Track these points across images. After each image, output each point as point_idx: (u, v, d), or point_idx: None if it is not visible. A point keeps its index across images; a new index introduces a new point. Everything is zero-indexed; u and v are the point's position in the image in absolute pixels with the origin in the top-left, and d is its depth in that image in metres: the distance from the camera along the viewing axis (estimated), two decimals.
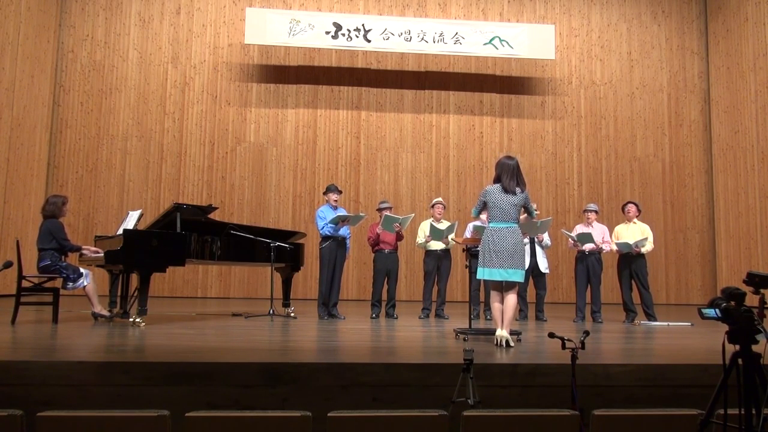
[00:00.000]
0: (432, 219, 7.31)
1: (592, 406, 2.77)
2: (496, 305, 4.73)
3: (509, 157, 4.89)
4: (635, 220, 7.33)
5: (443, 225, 7.07)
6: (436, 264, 7.24)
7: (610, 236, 7.41)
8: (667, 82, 11.53)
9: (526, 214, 4.95)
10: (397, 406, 3.24)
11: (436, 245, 7.18)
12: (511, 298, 4.67)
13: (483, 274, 4.72)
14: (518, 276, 4.64)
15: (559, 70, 11.40)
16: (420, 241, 7.32)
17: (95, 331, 5.28)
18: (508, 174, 4.74)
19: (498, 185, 4.76)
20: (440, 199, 7.60)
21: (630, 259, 7.10)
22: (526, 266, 6.66)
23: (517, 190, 4.72)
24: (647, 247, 7.08)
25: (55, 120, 10.56)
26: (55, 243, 5.75)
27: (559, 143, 11.28)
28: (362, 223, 7.36)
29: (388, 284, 7.18)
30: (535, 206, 5.17)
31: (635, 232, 7.20)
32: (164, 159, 10.68)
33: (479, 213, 5.02)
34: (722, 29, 11.08)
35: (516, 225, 4.72)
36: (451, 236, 6.98)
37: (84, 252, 6.06)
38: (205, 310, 7.89)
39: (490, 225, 4.76)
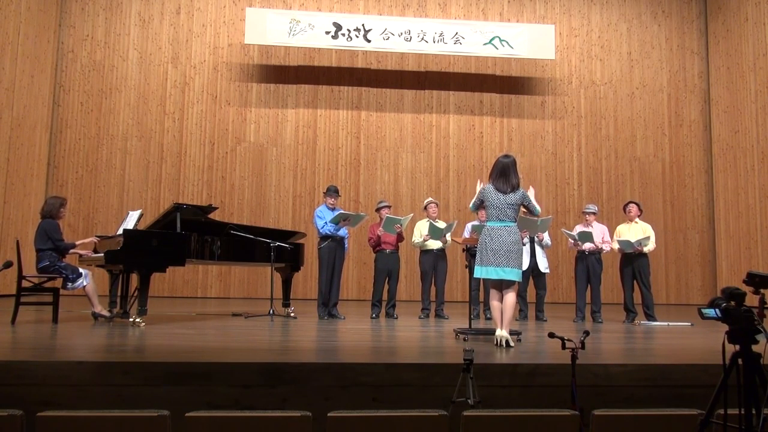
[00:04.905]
0: (427, 218, 7.32)
1: (592, 406, 2.77)
2: (494, 303, 4.73)
3: (505, 156, 4.89)
4: (637, 219, 7.32)
5: (442, 224, 7.09)
6: (433, 264, 7.25)
7: (611, 236, 7.41)
8: (667, 82, 11.53)
9: (526, 211, 4.96)
10: (397, 406, 3.24)
11: (433, 244, 7.18)
12: (510, 297, 4.67)
13: (480, 272, 4.73)
14: (514, 275, 4.64)
15: (559, 70, 11.40)
16: (417, 240, 7.32)
17: (95, 331, 5.28)
18: (500, 173, 4.76)
19: (492, 185, 4.77)
20: (431, 198, 7.72)
21: (632, 259, 7.09)
22: (526, 266, 6.68)
23: (513, 188, 4.72)
24: (649, 247, 7.06)
25: (55, 120, 10.56)
26: (51, 243, 5.75)
27: (559, 143, 11.28)
28: (362, 223, 7.36)
29: (388, 284, 7.19)
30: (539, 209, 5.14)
31: (637, 232, 7.18)
32: (164, 159, 10.68)
33: (477, 209, 5.05)
34: (722, 29, 11.08)
35: (513, 224, 4.73)
36: (448, 235, 6.99)
37: (80, 252, 6.09)
38: (205, 310, 7.89)
39: (488, 224, 4.78)
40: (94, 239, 6.30)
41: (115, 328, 5.45)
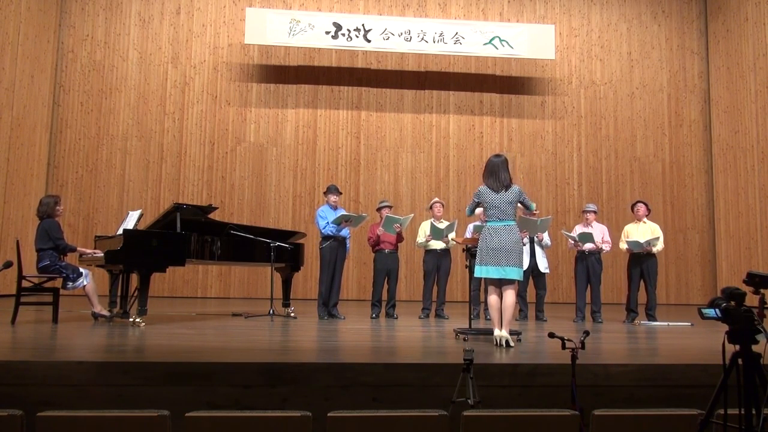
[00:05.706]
0: (432, 219, 7.32)
1: (592, 406, 2.78)
2: (493, 300, 4.71)
3: (496, 155, 4.93)
4: (645, 219, 7.31)
5: (443, 224, 7.09)
6: (436, 263, 7.25)
7: (611, 236, 7.41)
8: (667, 82, 11.53)
9: (524, 209, 4.97)
10: (397, 406, 3.24)
11: (436, 245, 7.18)
12: (509, 297, 4.66)
13: (480, 272, 4.73)
14: (515, 273, 4.63)
15: (559, 70, 11.40)
16: (420, 241, 7.32)
17: (95, 331, 5.28)
18: (490, 172, 4.79)
19: (486, 185, 4.79)
20: (437, 198, 7.68)
21: (641, 259, 7.09)
22: (525, 266, 6.68)
23: (505, 186, 4.72)
24: (658, 247, 7.05)
25: (55, 120, 10.56)
26: (51, 242, 5.74)
27: (559, 143, 11.28)
28: (362, 223, 7.36)
29: (388, 284, 7.18)
30: (534, 206, 5.15)
31: (645, 232, 7.17)
32: (164, 159, 10.68)
33: (473, 212, 5.06)
34: (722, 29, 11.08)
35: (513, 223, 4.73)
36: (451, 236, 6.99)
37: (87, 251, 6.10)
38: (205, 310, 7.89)
39: (488, 224, 4.78)
40: (98, 253, 6.14)
41: (115, 328, 5.45)
